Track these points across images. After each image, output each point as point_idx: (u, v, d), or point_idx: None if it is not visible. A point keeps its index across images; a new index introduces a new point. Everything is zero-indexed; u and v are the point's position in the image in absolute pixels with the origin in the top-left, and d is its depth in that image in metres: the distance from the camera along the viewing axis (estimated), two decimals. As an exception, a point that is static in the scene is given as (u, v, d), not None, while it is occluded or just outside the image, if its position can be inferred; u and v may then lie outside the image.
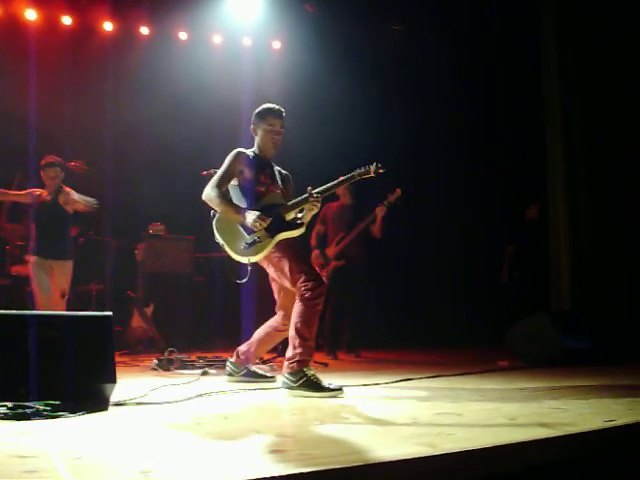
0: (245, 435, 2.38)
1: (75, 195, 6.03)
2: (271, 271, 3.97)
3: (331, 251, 6.75)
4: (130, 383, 4.09)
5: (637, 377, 4.25)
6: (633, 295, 6.20)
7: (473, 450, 1.98)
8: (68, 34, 8.35)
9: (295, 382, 3.62)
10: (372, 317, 7.97)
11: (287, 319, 3.89)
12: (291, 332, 3.74)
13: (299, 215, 4.00)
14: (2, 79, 7.35)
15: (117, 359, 3.47)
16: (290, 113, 4.21)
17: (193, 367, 5.10)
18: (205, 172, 4.56)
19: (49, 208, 5.96)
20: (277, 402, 3.47)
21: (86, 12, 8.40)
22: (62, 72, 7.94)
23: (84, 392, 2.90)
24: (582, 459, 2.19)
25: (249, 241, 3.80)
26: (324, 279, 3.84)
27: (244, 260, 3.84)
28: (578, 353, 5.24)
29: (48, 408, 2.68)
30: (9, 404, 2.66)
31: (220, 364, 4.95)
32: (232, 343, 5.24)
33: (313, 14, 8.58)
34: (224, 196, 3.94)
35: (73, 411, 2.71)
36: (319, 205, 3.95)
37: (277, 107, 4.13)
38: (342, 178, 4.16)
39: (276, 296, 4.15)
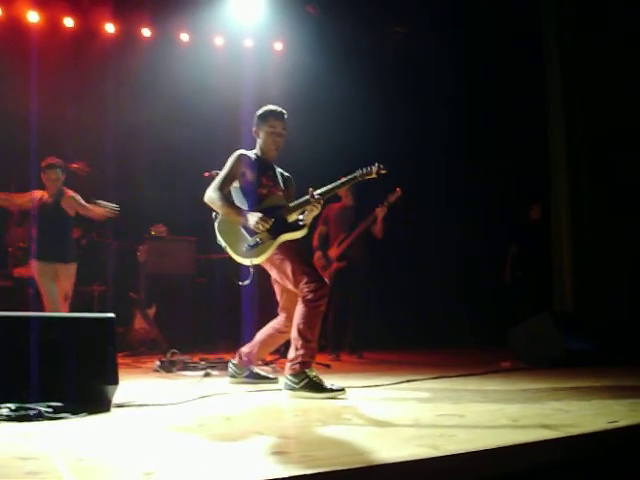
0: (247, 437, 2.38)
1: (81, 200, 5.97)
2: (273, 273, 3.97)
3: (333, 252, 6.75)
4: (132, 385, 4.10)
5: (639, 378, 4.24)
6: (635, 297, 6.20)
7: (475, 451, 1.98)
8: (70, 36, 8.35)
9: (297, 383, 3.61)
10: (374, 318, 7.96)
11: (290, 321, 3.89)
12: (293, 333, 3.74)
13: (301, 217, 4.00)
14: (4, 81, 7.36)
15: (119, 360, 3.48)
16: (292, 114, 4.21)
17: (195, 369, 5.10)
18: (207, 173, 4.56)
19: (50, 211, 5.91)
20: (279, 403, 3.47)
21: (88, 14, 8.40)
22: (64, 74, 7.95)
23: (86, 394, 2.90)
24: (584, 460, 2.19)
25: (251, 243, 3.80)
26: (326, 280, 3.83)
27: (246, 262, 3.84)
28: (580, 354, 5.24)
29: (50, 410, 2.68)
30: (12, 406, 2.66)
31: (222, 366, 4.94)
32: (234, 344, 5.24)
33: (315, 15, 8.58)
34: (226, 198, 3.94)
35: (75, 413, 2.72)
36: (320, 207, 3.95)
37: (279, 109, 4.13)
38: (344, 179, 4.16)
39: (278, 298, 4.14)
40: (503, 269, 8.01)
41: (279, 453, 2.01)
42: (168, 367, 5.06)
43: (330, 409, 3.13)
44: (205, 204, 3.98)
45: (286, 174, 4.31)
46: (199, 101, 8.07)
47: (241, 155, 4.03)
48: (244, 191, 4.02)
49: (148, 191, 7.34)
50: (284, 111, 4.14)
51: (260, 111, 4.15)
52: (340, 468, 1.77)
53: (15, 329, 2.94)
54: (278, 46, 9.35)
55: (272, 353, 4.89)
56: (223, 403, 3.38)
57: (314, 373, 3.64)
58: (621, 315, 6.07)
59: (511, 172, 8.37)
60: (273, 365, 5.33)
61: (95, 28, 8.52)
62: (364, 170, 4.12)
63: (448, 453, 1.94)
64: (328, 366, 5.62)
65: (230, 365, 4.33)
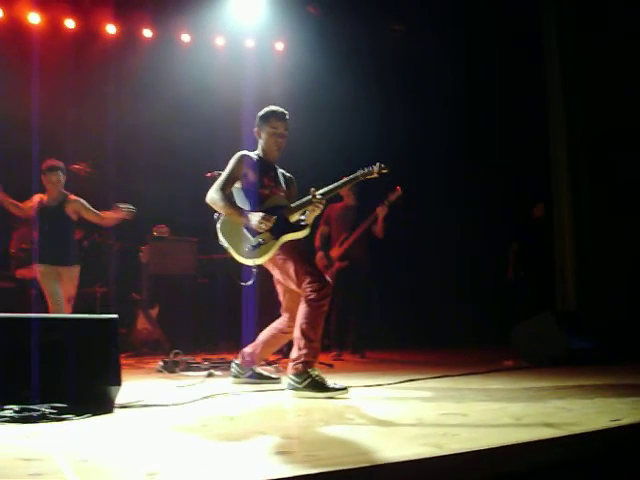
0: (251, 437, 2.39)
1: (88, 205, 5.91)
2: (276, 273, 3.97)
3: (335, 252, 6.76)
4: (135, 385, 4.10)
5: (642, 376, 4.25)
6: (636, 295, 6.20)
7: (479, 450, 1.98)
8: (71, 37, 8.36)
9: (300, 383, 3.62)
10: (377, 318, 7.97)
11: (292, 321, 3.89)
12: (296, 333, 3.75)
13: (302, 217, 4.00)
14: (5, 82, 7.36)
15: (122, 361, 3.48)
16: (293, 114, 4.22)
17: (198, 369, 5.11)
18: (209, 174, 4.57)
19: (50, 213, 5.82)
20: (282, 403, 3.47)
21: (89, 15, 8.41)
22: (65, 75, 7.96)
23: (89, 395, 2.91)
24: (587, 459, 2.19)
25: (254, 243, 3.81)
26: (329, 280, 3.83)
27: (249, 262, 3.85)
28: (583, 353, 5.25)
29: (54, 411, 2.68)
30: (15, 407, 2.66)
31: (225, 366, 4.95)
32: (237, 345, 5.24)
33: (316, 16, 8.59)
34: (228, 199, 3.94)
35: (78, 414, 2.72)
36: (322, 206, 3.95)
37: (280, 110, 4.14)
38: (345, 179, 4.16)
39: (281, 298, 4.15)
40: (506, 267, 8.01)
41: (282, 453, 2.01)
42: (171, 368, 5.07)
43: (333, 409, 3.14)
44: (207, 205, 3.99)
45: (288, 175, 4.31)
46: (200, 102, 8.08)
47: (243, 156, 4.04)
48: (246, 192, 4.02)
49: (149, 192, 7.33)
50: (286, 112, 4.14)
51: (262, 112, 4.15)
52: (343, 468, 1.77)
53: (19, 330, 2.95)
54: (279, 46, 9.35)
55: (275, 353, 4.89)
56: (226, 403, 3.38)
57: (317, 372, 3.64)
58: (623, 313, 6.08)
59: (511, 172, 8.36)
60: (276, 365, 5.33)
61: (96, 29, 8.52)
62: (365, 170, 4.13)
63: (452, 452, 1.95)
64: (331, 366, 5.62)
65: (233, 365, 4.33)
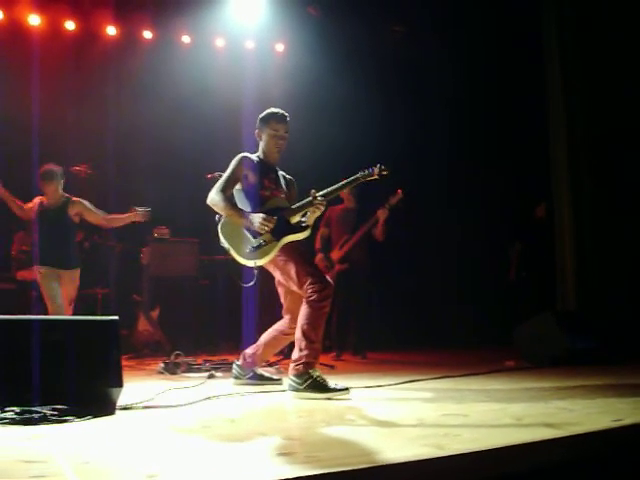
0: (252, 438, 2.39)
1: (92, 207, 5.86)
2: (277, 274, 3.98)
3: (335, 255, 6.76)
4: (137, 387, 4.10)
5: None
6: (637, 295, 6.20)
7: (480, 451, 1.98)
8: (71, 39, 8.36)
9: (301, 384, 3.62)
10: (377, 319, 7.96)
11: (294, 323, 3.89)
12: (297, 334, 3.75)
13: (303, 218, 4.00)
14: (6, 84, 7.36)
15: (123, 363, 3.48)
16: (293, 116, 4.22)
17: (199, 370, 5.11)
18: (210, 175, 4.58)
19: (50, 216, 5.75)
20: (284, 404, 3.47)
21: (89, 17, 8.41)
22: (65, 76, 7.96)
23: (91, 396, 2.91)
24: (589, 459, 2.19)
25: (255, 245, 3.81)
26: (330, 281, 3.83)
27: (250, 264, 3.85)
28: (583, 353, 5.25)
29: (55, 413, 2.68)
30: (16, 409, 2.66)
31: (226, 367, 4.95)
32: (237, 346, 5.25)
33: (316, 17, 8.59)
34: (229, 200, 3.94)
35: (80, 415, 2.72)
36: (323, 208, 3.95)
37: (281, 112, 4.13)
38: (345, 181, 4.16)
39: (283, 300, 4.14)
40: (508, 268, 8.00)
41: (284, 454, 2.02)
42: (172, 369, 5.07)
43: (334, 410, 3.14)
44: (207, 206, 3.99)
45: (288, 177, 4.31)
46: (200, 103, 8.08)
47: (243, 157, 4.04)
48: (246, 193, 4.02)
49: (150, 193, 7.32)
50: (286, 114, 4.14)
51: (262, 114, 4.15)
52: (345, 469, 1.77)
53: (20, 332, 2.95)
54: (279, 47, 9.35)
55: (276, 354, 4.90)
56: (227, 405, 3.38)
57: (318, 373, 3.64)
58: (623, 313, 6.07)
59: (512, 172, 8.36)
60: (277, 366, 5.33)
61: (96, 31, 8.52)
62: (366, 171, 4.13)
63: (453, 453, 1.95)
64: (332, 367, 5.62)
65: (234, 366, 4.33)
